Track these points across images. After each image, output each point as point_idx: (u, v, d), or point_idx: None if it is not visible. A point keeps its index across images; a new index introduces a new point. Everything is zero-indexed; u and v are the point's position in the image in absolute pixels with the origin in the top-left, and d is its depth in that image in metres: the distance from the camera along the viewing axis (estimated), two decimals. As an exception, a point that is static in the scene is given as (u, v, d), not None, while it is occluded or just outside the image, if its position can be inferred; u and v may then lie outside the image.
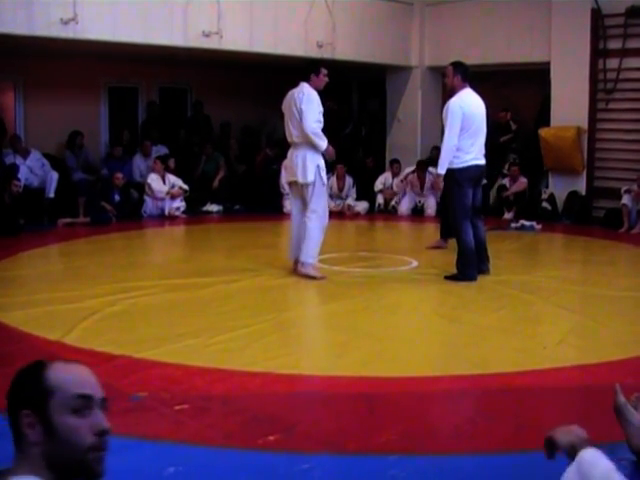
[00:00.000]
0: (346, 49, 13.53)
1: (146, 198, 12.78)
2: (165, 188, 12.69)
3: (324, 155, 8.02)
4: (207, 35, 11.60)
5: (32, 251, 9.60)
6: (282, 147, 15.05)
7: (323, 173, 7.97)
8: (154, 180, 12.65)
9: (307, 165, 7.87)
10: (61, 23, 10.11)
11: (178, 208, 12.87)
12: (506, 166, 13.57)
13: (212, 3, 11.54)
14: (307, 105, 7.77)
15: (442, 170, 7.83)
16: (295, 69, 15.17)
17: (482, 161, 7.98)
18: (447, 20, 14.65)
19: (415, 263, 8.92)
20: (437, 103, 15.25)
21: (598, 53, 12.71)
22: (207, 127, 15.25)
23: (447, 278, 7.97)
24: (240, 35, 12.12)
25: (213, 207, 13.67)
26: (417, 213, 13.65)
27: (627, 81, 12.52)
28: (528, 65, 13.57)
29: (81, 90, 13.97)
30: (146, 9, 11.03)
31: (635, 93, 12.45)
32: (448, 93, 7.94)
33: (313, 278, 7.91)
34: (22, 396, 1.86)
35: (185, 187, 12.92)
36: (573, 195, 12.93)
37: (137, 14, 10.95)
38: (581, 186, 12.99)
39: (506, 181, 13.28)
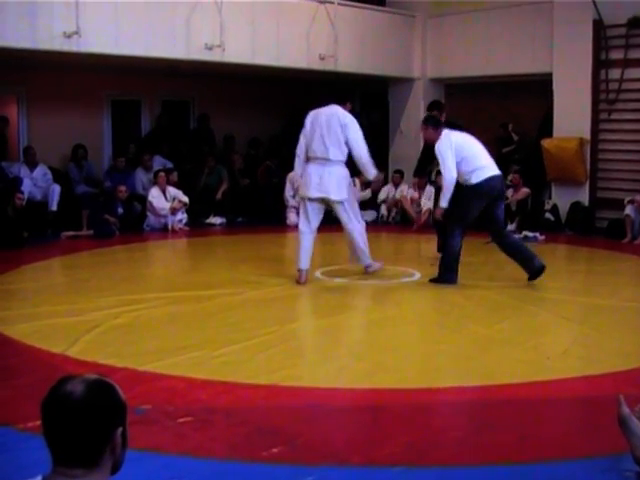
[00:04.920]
0: (348, 61, 13.57)
1: (148, 213, 12.77)
2: (167, 205, 12.67)
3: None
4: (209, 48, 11.63)
5: (35, 264, 9.60)
6: (283, 159, 15.13)
7: (350, 187, 8.53)
8: (155, 197, 12.63)
9: (342, 184, 8.25)
10: (64, 36, 10.16)
11: (180, 220, 12.87)
12: (509, 177, 13.56)
13: (214, 16, 11.58)
14: (357, 134, 8.18)
15: (444, 204, 8.26)
16: (298, 81, 15.20)
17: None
18: (449, 32, 14.68)
19: (418, 275, 8.91)
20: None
21: (600, 64, 12.72)
22: (210, 140, 15.27)
23: (431, 281, 8.39)
24: (242, 48, 12.15)
25: (216, 219, 13.66)
26: (407, 222, 13.61)
27: (629, 91, 12.53)
28: (530, 76, 13.59)
29: (84, 103, 13.99)
30: (149, 22, 11.07)
31: (637, 104, 12.45)
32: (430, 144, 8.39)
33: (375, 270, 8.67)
34: (117, 416, 1.96)
35: (185, 199, 12.90)
36: (576, 206, 12.93)
37: (140, 27, 10.99)
38: (584, 197, 12.99)
39: (509, 192, 13.25)
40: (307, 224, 8.45)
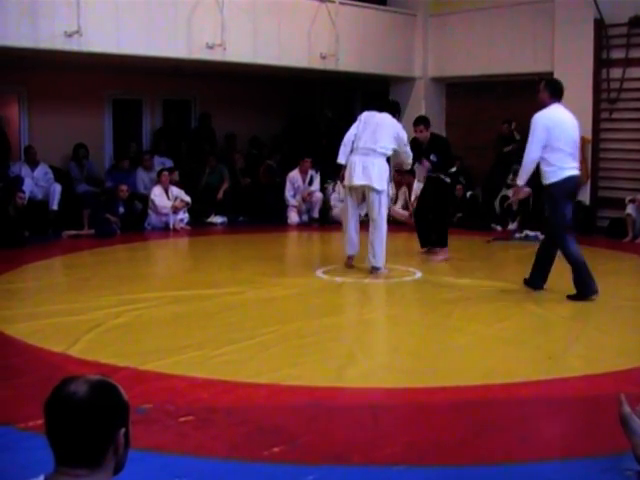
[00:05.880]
0: (349, 60, 13.56)
1: (150, 212, 12.77)
2: (169, 203, 12.67)
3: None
4: (211, 47, 11.64)
5: (37, 263, 9.61)
6: (284, 157, 15.13)
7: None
8: (157, 196, 12.63)
9: (383, 176, 8.84)
10: (65, 35, 10.16)
11: (182, 220, 12.86)
12: (510, 176, 13.55)
13: (215, 15, 11.58)
14: (408, 145, 9.10)
15: (521, 182, 7.81)
16: (299, 80, 15.19)
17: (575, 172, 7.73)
18: (450, 31, 14.68)
19: (419, 274, 8.92)
20: (441, 114, 15.29)
21: (601, 63, 12.72)
22: (211, 139, 15.26)
23: (569, 297, 7.62)
24: (244, 47, 12.16)
25: (217, 219, 13.66)
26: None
27: (630, 91, 12.52)
28: (531, 75, 13.57)
29: (85, 102, 13.98)
30: (150, 21, 11.07)
31: (638, 103, 12.45)
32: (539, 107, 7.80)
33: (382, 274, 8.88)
34: (120, 416, 1.96)
35: (187, 199, 12.90)
36: (577, 205, 12.89)
37: (141, 26, 10.99)
38: (585, 196, 12.97)
39: (510, 192, 13.23)
40: (349, 215, 9.06)
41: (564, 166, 7.52)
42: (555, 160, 7.50)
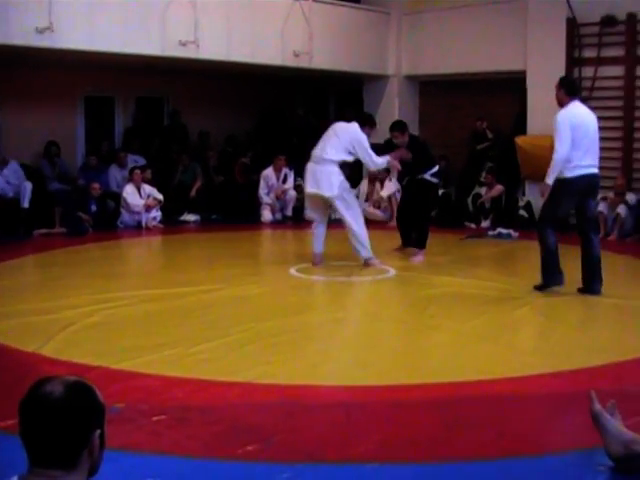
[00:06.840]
0: (323, 58, 13.56)
1: (122, 210, 12.70)
2: (141, 201, 12.59)
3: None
4: (184, 44, 11.59)
5: (8, 262, 9.51)
6: (257, 155, 15.09)
7: (346, 185, 9.16)
8: (129, 194, 12.55)
9: (332, 181, 8.89)
10: (36, 32, 10.07)
11: (154, 218, 12.80)
12: (482, 174, 13.63)
13: (189, 12, 11.54)
14: (365, 151, 8.97)
15: (550, 181, 7.51)
16: (272, 78, 15.16)
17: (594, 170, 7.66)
18: (424, 29, 14.73)
19: (393, 271, 8.93)
20: (414, 112, 15.33)
21: (573, 62, 12.81)
22: (184, 136, 15.20)
23: (536, 288, 7.75)
24: (217, 44, 12.12)
25: (190, 217, 13.60)
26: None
27: (602, 89, 12.61)
28: (504, 74, 13.66)
29: (57, 100, 13.87)
30: (123, 18, 11.01)
31: (610, 101, 12.55)
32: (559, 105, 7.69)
33: (373, 265, 9.12)
34: (95, 418, 1.97)
35: (160, 197, 12.83)
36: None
37: (113, 23, 10.92)
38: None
39: (482, 190, 13.30)
40: (314, 216, 9.37)
41: (581, 164, 7.45)
42: (574, 157, 7.40)
